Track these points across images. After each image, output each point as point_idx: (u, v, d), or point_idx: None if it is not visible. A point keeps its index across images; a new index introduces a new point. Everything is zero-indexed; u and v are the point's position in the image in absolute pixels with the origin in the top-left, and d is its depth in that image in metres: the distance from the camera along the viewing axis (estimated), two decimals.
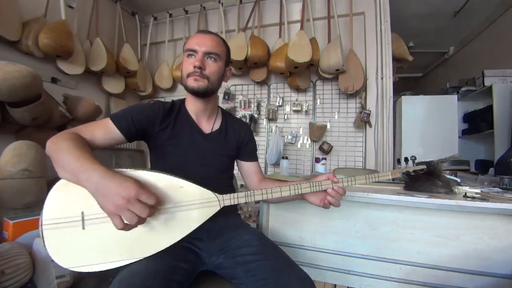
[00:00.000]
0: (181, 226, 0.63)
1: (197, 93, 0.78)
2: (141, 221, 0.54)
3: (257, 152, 0.98)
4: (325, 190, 0.72)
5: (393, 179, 1.77)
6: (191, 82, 0.76)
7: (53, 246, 0.58)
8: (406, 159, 0.77)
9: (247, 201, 0.68)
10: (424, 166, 0.79)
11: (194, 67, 0.75)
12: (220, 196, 0.67)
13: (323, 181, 0.72)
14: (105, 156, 2.14)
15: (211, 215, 0.66)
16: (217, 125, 0.88)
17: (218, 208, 0.67)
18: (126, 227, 0.53)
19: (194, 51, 0.76)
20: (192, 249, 0.73)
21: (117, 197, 0.52)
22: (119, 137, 0.72)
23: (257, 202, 2.00)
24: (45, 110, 1.55)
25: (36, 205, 1.29)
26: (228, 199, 0.67)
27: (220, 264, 0.72)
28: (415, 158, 0.76)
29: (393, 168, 2.08)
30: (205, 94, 0.80)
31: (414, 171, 0.78)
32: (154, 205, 0.55)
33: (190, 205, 0.64)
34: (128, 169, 0.62)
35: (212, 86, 0.79)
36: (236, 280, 0.69)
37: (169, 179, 0.65)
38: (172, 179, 0.65)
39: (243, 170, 0.95)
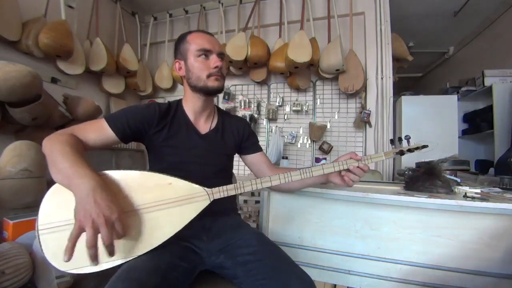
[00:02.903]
0: (173, 222, 0.64)
1: (217, 92, 0.82)
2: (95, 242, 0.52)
3: None
4: (348, 170, 0.74)
5: (393, 180, 1.77)
6: (213, 82, 0.78)
7: (49, 249, 0.58)
8: (399, 139, 0.73)
9: (236, 193, 0.67)
10: (422, 143, 0.74)
11: (216, 67, 0.77)
12: (209, 190, 0.66)
13: (348, 160, 0.73)
14: (105, 156, 2.14)
15: (201, 209, 0.66)
16: (214, 125, 0.88)
17: (208, 202, 0.67)
18: (69, 249, 0.51)
19: (210, 51, 0.78)
20: (192, 248, 0.73)
21: (98, 212, 0.52)
22: (113, 139, 0.73)
23: (257, 202, 1.99)
24: (45, 110, 1.55)
25: (36, 205, 1.28)
26: (218, 192, 0.67)
27: (220, 264, 0.72)
28: (410, 137, 0.73)
29: (393, 166, 2.09)
30: (222, 91, 0.83)
31: (409, 149, 0.73)
32: (119, 236, 0.54)
33: (180, 200, 0.65)
34: (117, 171, 0.63)
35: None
36: (236, 280, 0.69)
37: (157, 176, 0.65)
38: (160, 176, 0.66)
39: (251, 163, 0.94)
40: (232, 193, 0.67)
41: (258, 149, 0.95)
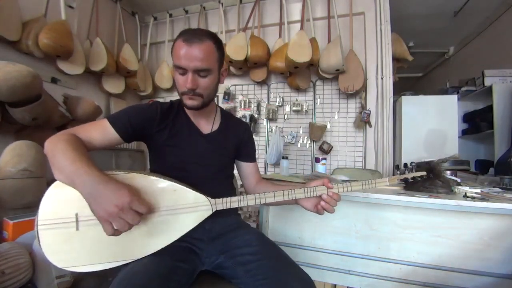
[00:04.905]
0: (173, 230, 0.64)
1: (193, 110, 0.77)
2: (131, 227, 0.55)
3: (257, 152, 0.98)
4: (319, 196, 0.69)
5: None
6: (186, 100, 0.74)
7: (48, 246, 0.58)
8: (405, 165, 0.75)
9: (239, 205, 0.68)
10: (424, 173, 0.74)
11: (186, 88, 0.71)
12: (212, 200, 0.67)
13: (318, 186, 0.69)
14: (105, 156, 2.14)
15: (203, 219, 0.67)
16: (216, 126, 0.87)
17: (210, 212, 0.67)
18: (116, 233, 0.54)
19: (184, 69, 0.70)
20: (192, 249, 0.73)
21: (110, 204, 0.52)
22: (116, 138, 0.72)
23: None
24: (45, 110, 1.55)
25: (36, 205, 1.29)
26: (221, 203, 0.67)
27: (220, 264, 0.72)
28: (415, 165, 0.74)
29: (393, 168, 2.09)
30: (202, 108, 0.77)
31: (413, 177, 0.74)
32: (144, 213, 0.56)
33: (183, 208, 0.65)
34: (123, 172, 0.62)
35: (207, 100, 0.77)
36: (236, 280, 0.69)
37: (162, 182, 0.65)
38: (166, 182, 0.66)
39: (241, 170, 0.95)
40: (235, 205, 0.68)
41: (251, 159, 0.94)
